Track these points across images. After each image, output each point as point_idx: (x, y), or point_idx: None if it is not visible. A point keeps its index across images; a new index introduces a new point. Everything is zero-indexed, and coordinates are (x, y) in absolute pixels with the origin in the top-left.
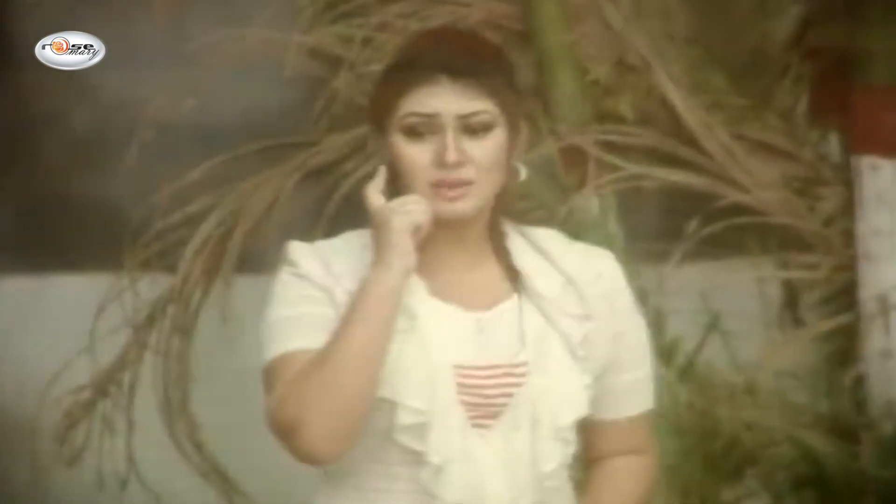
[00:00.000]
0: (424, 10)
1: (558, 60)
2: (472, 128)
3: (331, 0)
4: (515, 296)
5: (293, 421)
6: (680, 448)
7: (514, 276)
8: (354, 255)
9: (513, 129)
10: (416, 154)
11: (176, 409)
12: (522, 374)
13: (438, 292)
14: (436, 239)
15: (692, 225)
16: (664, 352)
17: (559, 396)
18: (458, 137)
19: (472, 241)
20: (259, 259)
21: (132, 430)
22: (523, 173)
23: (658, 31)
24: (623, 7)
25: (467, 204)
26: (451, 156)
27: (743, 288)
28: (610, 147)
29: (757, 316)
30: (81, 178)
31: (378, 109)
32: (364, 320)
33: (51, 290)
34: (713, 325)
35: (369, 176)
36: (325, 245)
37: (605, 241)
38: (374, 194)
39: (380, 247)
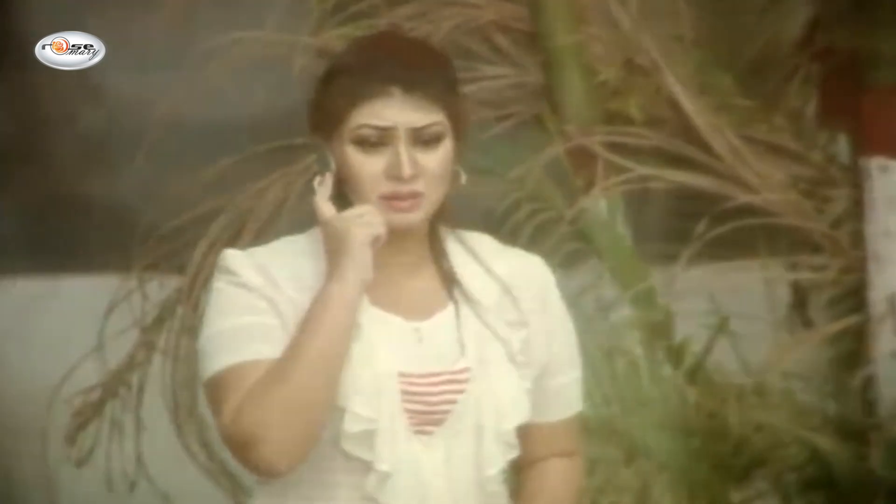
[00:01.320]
0: (433, 12)
1: (566, 61)
2: (424, 139)
3: (339, 2)
4: (452, 304)
5: (251, 434)
6: (689, 449)
7: (451, 284)
8: (292, 262)
9: (458, 138)
10: (368, 165)
11: (185, 410)
12: (465, 381)
13: (379, 301)
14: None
15: (700, 226)
16: (673, 353)
17: (502, 402)
18: (410, 149)
19: (413, 249)
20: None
21: (141, 431)
22: (463, 178)
23: (666, 33)
24: (631, 8)
25: (417, 215)
26: (407, 170)
27: (751, 289)
28: (618, 148)
29: (766, 317)
30: (90, 179)
31: (325, 118)
32: (323, 332)
33: (59, 291)
34: (722, 326)
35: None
36: (259, 252)
37: (613, 243)
38: (325, 204)
39: (336, 258)
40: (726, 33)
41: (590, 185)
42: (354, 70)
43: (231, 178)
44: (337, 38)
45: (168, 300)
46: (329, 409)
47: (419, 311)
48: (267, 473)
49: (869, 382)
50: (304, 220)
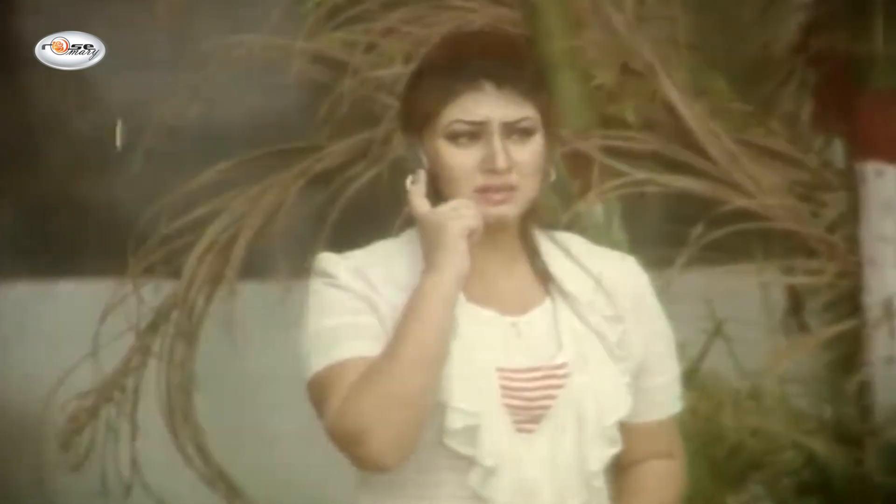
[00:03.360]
0: (429, 16)
1: (562, 66)
2: (517, 134)
3: (335, 6)
4: (548, 299)
5: (358, 430)
6: (684, 454)
7: (545, 280)
8: (386, 264)
9: (549, 134)
10: (462, 160)
11: (180, 414)
12: (564, 376)
13: (474, 298)
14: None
15: (696, 230)
16: None
17: (602, 396)
18: (503, 142)
19: (506, 246)
20: (263, 265)
21: (136, 435)
22: (553, 175)
23: (662, 37)
24: (627, 13)
25: (511, 208)
26: (501, 161)
27: (747, 293)
28: (614, 152)
29: (761, 322)
30: (86, 183)
31: (416, 115)
32: (423, 325)
33: (55, 295)
34: (717, 330)
35: (375, 180)
36: (354, 256)
37: (609, 247)
38: (420, 200)
39: (432, 252)
40: (722, 38)
41: (586, 189)
42: (445, 67)
43: (227, 182)
44: (333, 41)
45: (164, 304)
46: (432, 401)
47: (516, 305)
48: (376, 468)
49: (864, 387)
50: (301, 224)
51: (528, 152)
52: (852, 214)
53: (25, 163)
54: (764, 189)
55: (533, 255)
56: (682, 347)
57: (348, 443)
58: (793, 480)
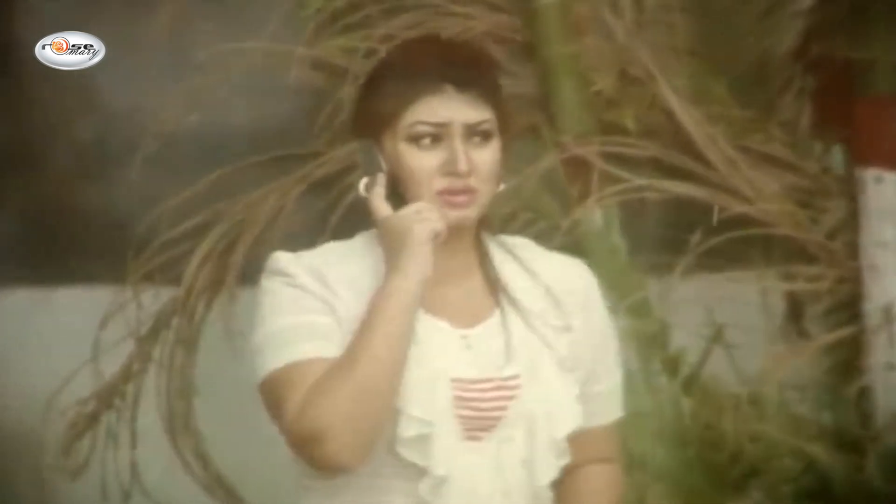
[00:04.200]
0: (429, 22)
1: (561, 72)
2: (476, 137)
3: (335, 12)
4: (498, 310)
5: (317, 430)
6: (684, 460)
7: (496, 289)
8: (343, 264)
9: (504, 138)
10: (423, 162)
11: (180, 421)
12: (515, 387)
13: (429, 307)
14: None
15: (696, 237)
16: (668, 364)
17: (554, 408)
18: (464, 146)
19: (460, 254)
20: (263, 271)
21: (136, 442)
22: (502, 185)
23: (661, 43)
24: (626, 19)
25: (472, 210)
26: (463, 164)
27: (747, 300)
28: (613, 158)
29: (761, 328)
30: (85, 189)
31: (374, 118)
32: (386, 327)
33: (54, 301)
34: (717, 337)
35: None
36: (309, 255)
37: (608, 253)
38: (381, 203)
39: (396, 255)
40: (721, 44)
41: (585, 195)
42: (405, 70)
43: (226, 188)
44: (332, 47)
45: (163, 311)
46: (392, 404)
47: (467, 317)
48: (333, 470)
49: (864, 393)
50: (301, 230)
51: (488, 156)
52: (852, 220)
53: (24, 168)
54: (763, 195)
55: (485, 263)
56: (681, 353)
57: (306, 444)
58: (793, 487)
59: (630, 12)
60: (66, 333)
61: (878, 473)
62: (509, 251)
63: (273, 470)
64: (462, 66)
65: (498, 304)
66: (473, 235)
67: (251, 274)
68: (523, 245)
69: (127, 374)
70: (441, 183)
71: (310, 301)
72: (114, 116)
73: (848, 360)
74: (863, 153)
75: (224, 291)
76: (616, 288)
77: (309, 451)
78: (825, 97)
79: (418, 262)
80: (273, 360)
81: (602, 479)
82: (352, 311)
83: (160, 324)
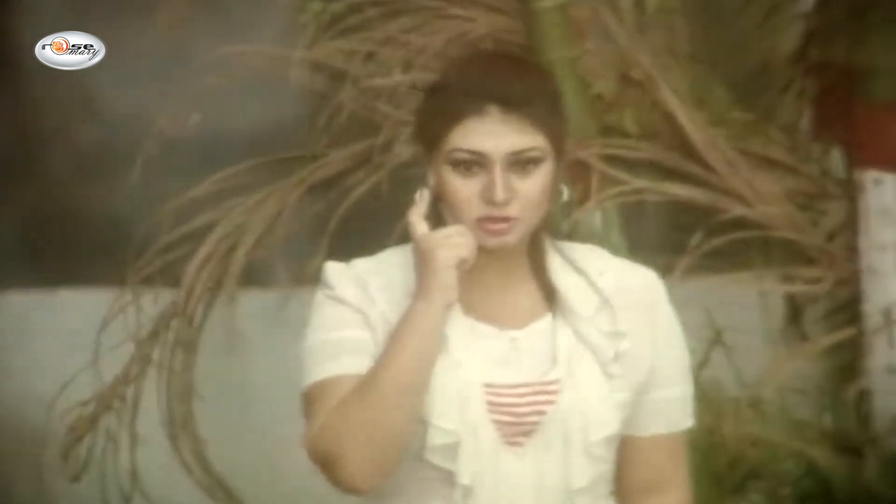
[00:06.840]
0: (427, 25)
1: (562, 75)
2: (521, 164)
3: (335, 15)
4: (550, 315)
5: (333, 452)
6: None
7: (550, 295)
8: (390, 274)
9: (559, 157)
10: (463, 188)
11: (180, 423)
12: (554, 392)
13: (472, 310)
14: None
15: (695, 239)
16: None
17: (589, 413)
18: (505, 174)
19: (510, 261)
20: (263, 273)
21: (136, 444)
22: (566, 194)
23: (661, 47)
24: (626, 22)
25: (511, 238)
26: (500, 195)
27: (746, 302)
28: (613, 161)
29: (760, 330)
30: (86, 192)
31: (425, 135)
32: (407, 353)
33: (55, 304)
34: (717, 339)
35: (374, 188)
36: (362, 265)
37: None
38: (418, 220)
39: (423, 278)
40: (721, 47)
41: (585, 197)
42: (453, 87)
43: (226, 191)
44: (332, 50)
45: (163, 314)
46: (412, 428)
47: (516, 320)
48: (349, 491)
49: (864, 396)
50: (301, 233)
51: (533, 183)
52: (851, 223)
53: (26, 173)
54: (763, 198)
55: (539, 268)
56: None
57: (323, 463)
58: (793, 489)
59: (630, 15)
60: (66, 336)
61: (878, 476)
62: (568, 257)
63: (273, 471)
64: (509, 85)
65: (550, 307)
66: (529, 241)
67: (251, 276)
68: (588, 252)
69: (127, 377)
70: (481, 210)
71: (347, 314)
72: (114, 118)
73: (847, 363)
74: (862, 156)
75: (224, 294)
76: None
77: (325, 471)
78: (825, 100)
79: (441, 287)
80: (308, 376)
81: None
82: (387, 323)
83: (160, 326)
